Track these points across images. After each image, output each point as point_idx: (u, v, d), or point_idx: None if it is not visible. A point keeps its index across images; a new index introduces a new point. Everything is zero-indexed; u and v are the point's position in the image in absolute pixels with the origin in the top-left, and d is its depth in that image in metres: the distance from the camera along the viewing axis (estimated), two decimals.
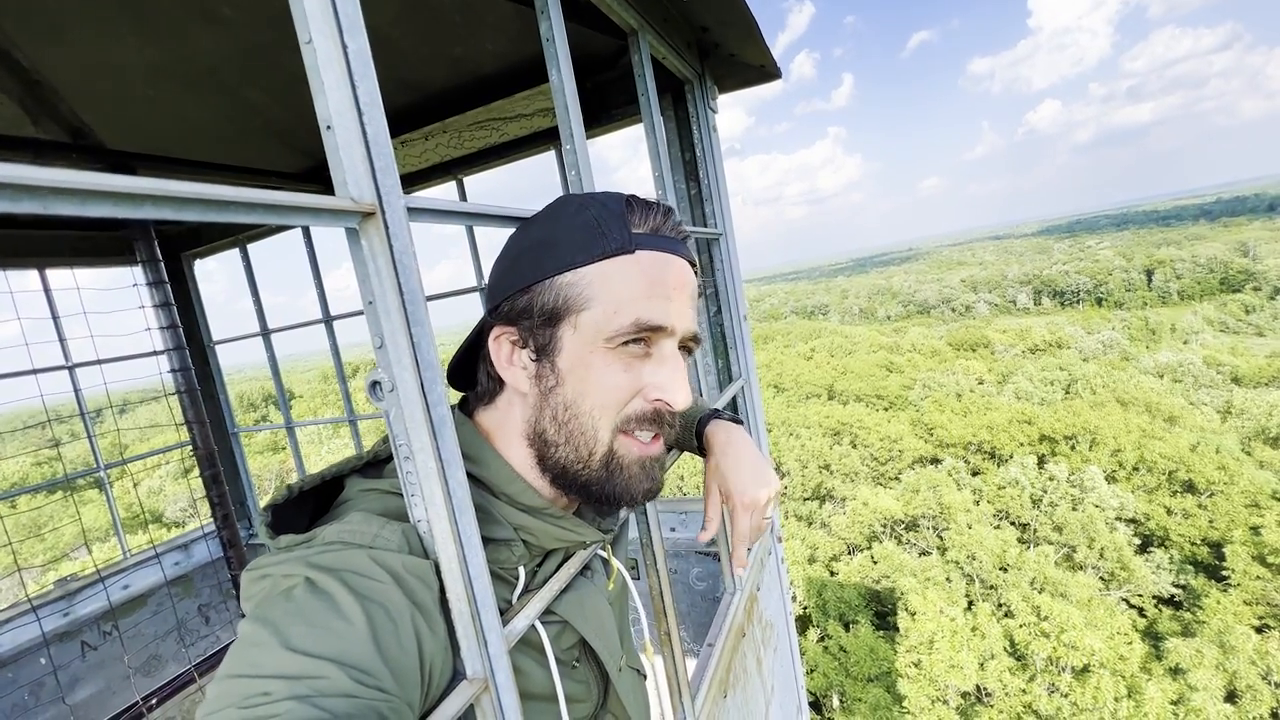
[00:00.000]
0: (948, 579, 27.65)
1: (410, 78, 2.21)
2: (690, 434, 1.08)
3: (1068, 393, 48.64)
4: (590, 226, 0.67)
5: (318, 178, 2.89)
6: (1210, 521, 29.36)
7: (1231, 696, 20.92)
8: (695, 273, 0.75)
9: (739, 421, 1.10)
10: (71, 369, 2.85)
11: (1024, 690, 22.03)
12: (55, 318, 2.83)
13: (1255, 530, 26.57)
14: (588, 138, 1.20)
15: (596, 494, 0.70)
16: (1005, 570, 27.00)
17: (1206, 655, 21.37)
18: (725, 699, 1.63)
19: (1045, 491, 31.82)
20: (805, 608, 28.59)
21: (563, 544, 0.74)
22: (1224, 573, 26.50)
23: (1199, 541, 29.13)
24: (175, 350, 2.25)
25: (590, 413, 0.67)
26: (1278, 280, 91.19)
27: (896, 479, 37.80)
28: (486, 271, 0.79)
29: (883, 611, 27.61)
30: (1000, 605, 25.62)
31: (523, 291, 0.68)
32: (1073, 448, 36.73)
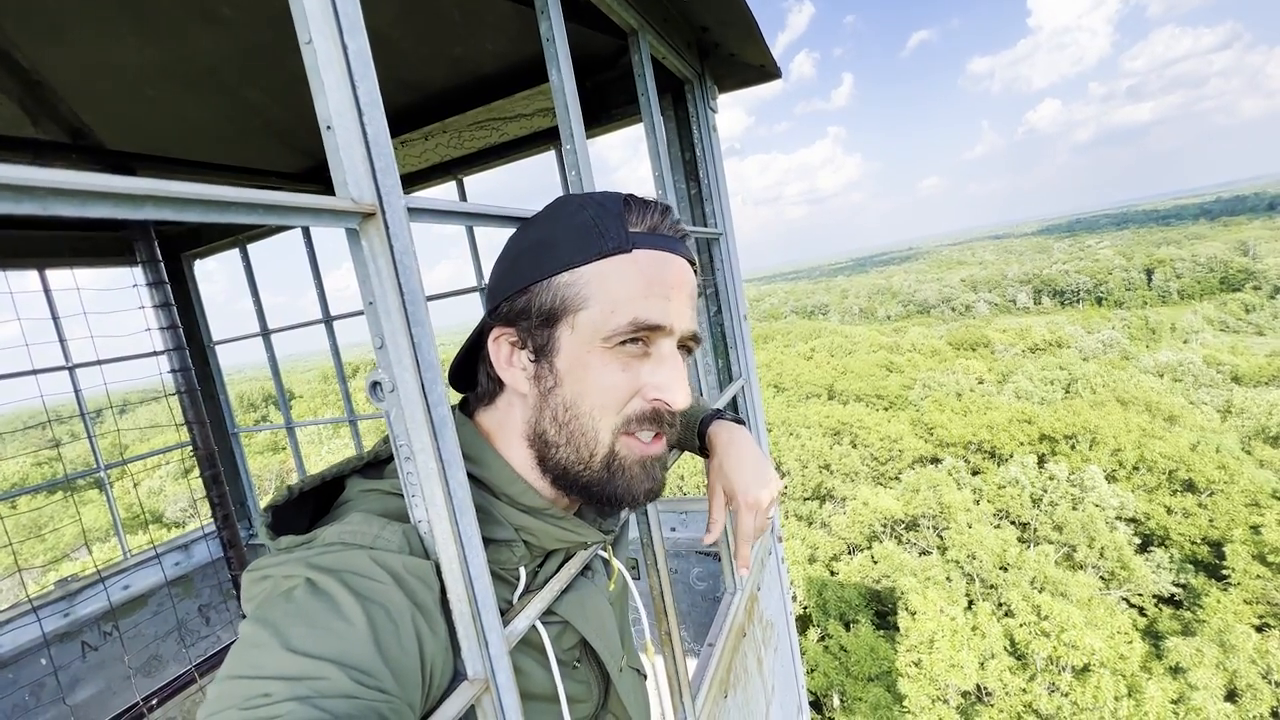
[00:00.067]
0: (948, 578, 27.66)
1: (410, 78, 2.21)
2: (692, 434, 1.08)
3: (1068, 392, 48.64)
4: (588, 226, 0.67)
5: (318, 178, 2.89)
6: (1210, 520, 29.36)
7: (1232, 695, 20.93)
8: (695, 272, 0.74)
9: (741, 422, 1.10)
10: (71, 369, 2.85)
11: (1024, 689, 22.04)
12: (55, 318, 2.83)
13: (1255, 529, 26.58)
14: (588, 137, 1.20)
15: (598, 494, 0.70)
16: (1005, 570, 27.01)
17: (1206, 654, 21.38)
18: (726, 699, 1.63)
19: (1045, 491, 31.83)
20: (805, 607, 28.60)
21: (563, 544, 0.74)
22: (1224, 572, 26.52)
23: (1199, 541, 29.14)
24: (175, 350, 2.25)
25: (590, 413, 0.67)
26: (1277, 279, 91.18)
27: (897, 479, 37.81)
28: (487, 272, 0.79)
29: (883, 611, 27.62)
30: (1000, 605, 25.63)
31: (521, 292, 0.68)
32: (1073, 447, 36.74)
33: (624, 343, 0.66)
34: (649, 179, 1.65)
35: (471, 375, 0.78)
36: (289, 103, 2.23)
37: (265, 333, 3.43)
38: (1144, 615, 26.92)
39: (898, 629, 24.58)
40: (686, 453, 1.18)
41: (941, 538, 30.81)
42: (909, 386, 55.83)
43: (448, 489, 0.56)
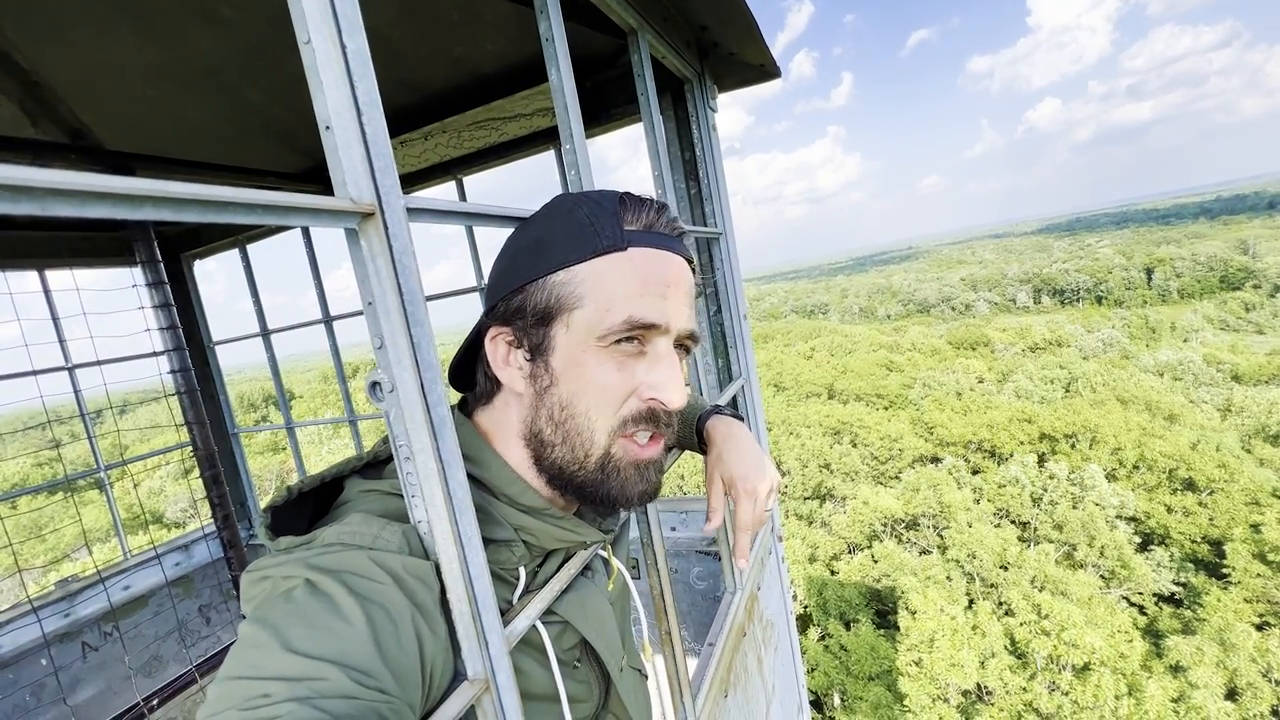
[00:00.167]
0: (948, 578, 27.67)
1: (409, 78, 2.21)
2: (690, 431, 1.08)
3: (1068, 391, 48.65)
4: (583, 225, 0.67)
5: (317, 178, 2.89)
6: (1210, 519, 29.37)
7: (1232, 694, 20.94)
8: (693, 269, 0.74)
9: (740, 417, 1.10)
10: (71, 370, 2.85)
11: (1025, 688, 22.05)
12: (55, 319, 2.83)
13: (1255, 528, 26.59)
14: (587, 137, 1.20)
15: (592, 495, 0.69)
16: (1005, 569, 27.02)
17: (1207, 653, 21.39)
18: (726, 698, 1.63)
19: (1045, 490, 31.84)
20: (806, 607, 28.61)
21: (563, 544, 0.74)
22: (1224, 570, 26.53)
23: (1199, 539, 29.15)
24: (175, 351, 2.25)
25: (586, 413, 0.66)
26: (1277, 278, 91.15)
27: (897, 478, 37.84)
28: (486, 271, 0.79)
29: (883, 610, 27.63)
30: (1001, 604, 25.64)
31: (517, 291, 0.68)
32: (1073, 446, 36.74)
33: (619, 342, 0.65)
34: (649, 179, 1.65)
35: (471, 375, 0.78)
36: (288, 103, 2.23)
37: (265, 333, 3.43)
38: (1144, 614, 26.94)
39: (898, 628, 24.59)
40: (687, 452, 1.18)
41: (942, 537, 30.82)
42: (909, 386, 55.85)
43: (447, 489, 0.56)
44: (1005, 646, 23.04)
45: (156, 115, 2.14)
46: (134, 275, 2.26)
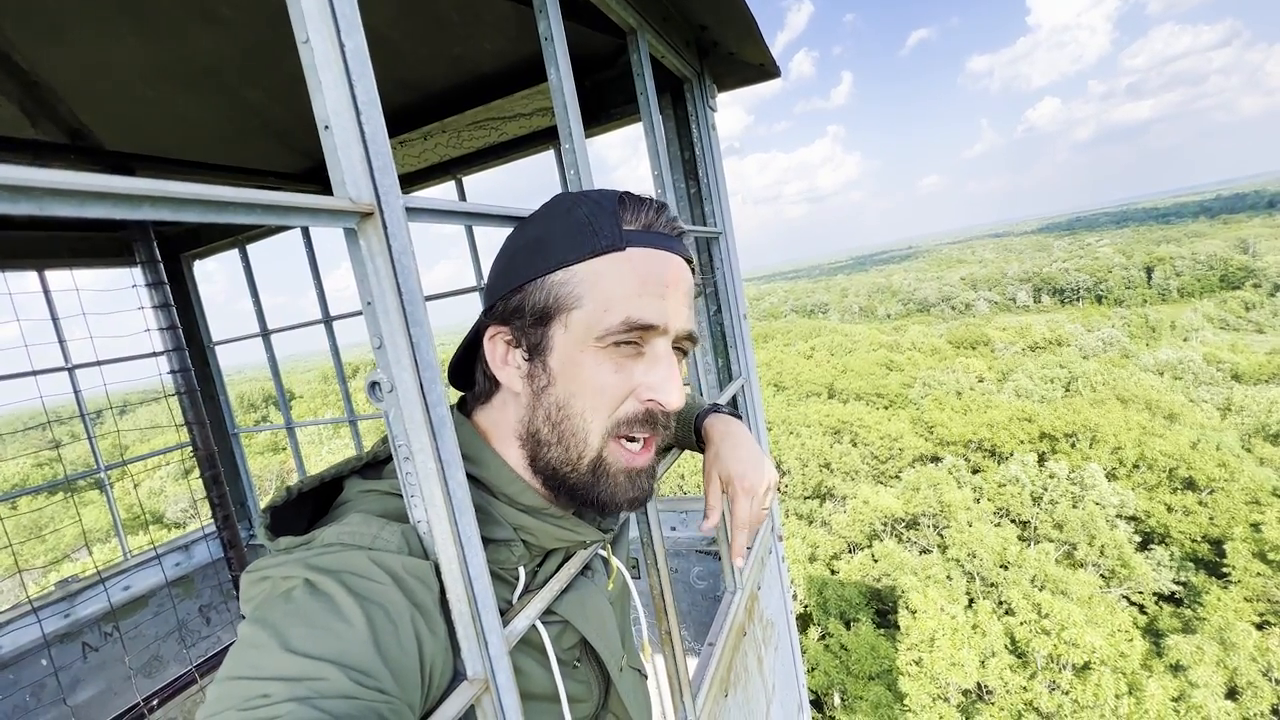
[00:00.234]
0: (948, 577, 27.67)
1: (408, 77, 2.21)
2: (688, 430, 1.08)
3: (1068, 390, 48.65)
4: (581, 224, 0.66)
5: (316, 178, 2.89)
6: (1211, 518, 29.38)
7: (1232, 693, 20.95)
8: (692, 269, 0.74)
9: (738, 415, 1.09)
10: (71, 370, 2.85)
11: (1025, 688, 22.06)
12: (55, 319, 2.82)
13: (1256, 527, 26.60)
14: (587, 137, 1.20)
15: (583, 498, 0.69)
16: (1006, 568, 27.02)
17: (1207, 652, 21.39)
18: (726, 698, 1.63)
19: (1045, 489, 31.84)
20: (806, 606, 28.61)
21: (563, 544, 0.74)
22: (1224, 569, 26.54)
23: (1199, 538, 29.16)
24: (175, 351, 2.25)
25: (582, 414, 0.66)
26: (1277, 277, 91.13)
27: (897, 477, 37.84)
28: (486, 271, 0.79)
29: (883, 609, 27.64)
30: (1001, 603, 25.64)
31: (515, 291, 0.67)
32: (1073, 445, 36.75)
33: (617, 342, 0.65)
34: (648, 178, 1.65)
35: (469, 374, 0.78)
36: (287, 103, 2.23)
37: (265, 333, 3.42)
38: (1144, 613, 26.95)
39: (898, 627, 24.60)
40: (687, 452, 1.18)
41: (942, 536, 30.83)
42: (909, 385, 55.85)
43: (447, 489, 0.56)
44: (1005, 646, 23.05)
45: (156, 115, 2.14)
46: (134, 275, 2.26)
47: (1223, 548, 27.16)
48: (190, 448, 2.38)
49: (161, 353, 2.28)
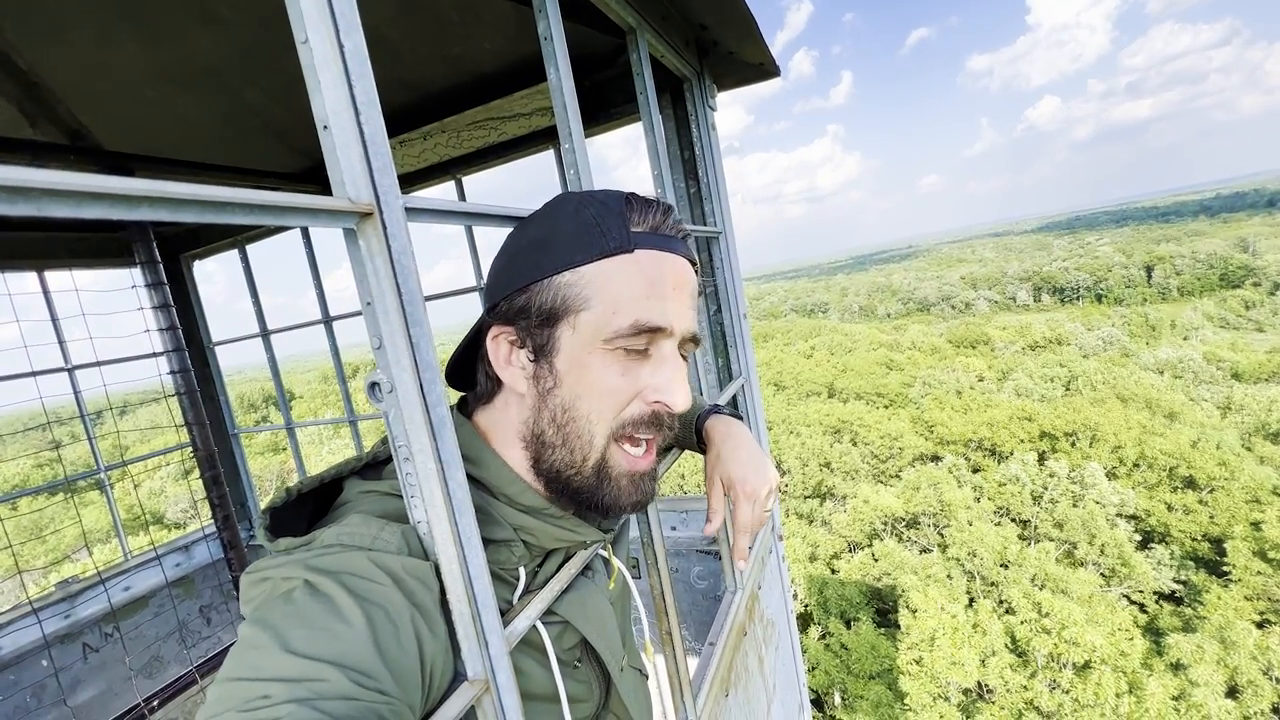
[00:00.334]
0: (949, 576, 27.68)
1: (408, 77, 2.21)
2: (689, 430, 1.08)
3: (1068, 389, 48.65)
4: (589, 225, 0.66)
5: (316, 178, 2.89)
6: (1211, 517, 29.38)
7: (1233, 692, 20.95)
8: (696, 271, 0.74)
9: (738, 416, 1.10)
10: (71, 371, 2.84)
11: (1025, 687, 22.06)
12: (54, 320, 2.82)
13: (1256, 526, 26.59)
14: (586, 136, 1.20)
15: (586, 500, 0.70)
16: (1006, 567, 27.02)
17: (1207, 651, 21.39)
18: (727, 698, 1.63)
19: (1046, 488, 31.84)
20: (806, 605, 28.62)
21: (563, 544, 0.74)
22: (1225, 568, 26.54)
23: (1200, 537, 29.17)
24: (175, 352, 2.25)
25: (588, 416, 0.66)
26: (1277, 276, 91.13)
27: (897, 476, 37.83)
28: (486, 271, 0.78)
29: (884, 609, 27.65)
30: (1001, 602, 25.65)
31: (521, 291, 0.67)
32: (1073, 444, 36.75)
33: (625, 345, 0.65)
34: (648, 178, 1.65)
35: (468, 374, 0.78)
36: (287, 103, 2.23)
37: (265, 333, 3.42)
38: (1145, 612, 26.95)
39: (899, 627, 24.59)
40: (687, 452, 1.18)
41: (942, 535, 30.83)
42: (909, 384, 55.85)
43: (447, 489, 0.56)
44: (1006, 645, 23.05)
45: (155, 115, 2.14)
46: (133, 276, 2.26)
47: (1223, 546, 27.17)
48: (190, 448, 2.38)
49: (161, 353, 2.28)
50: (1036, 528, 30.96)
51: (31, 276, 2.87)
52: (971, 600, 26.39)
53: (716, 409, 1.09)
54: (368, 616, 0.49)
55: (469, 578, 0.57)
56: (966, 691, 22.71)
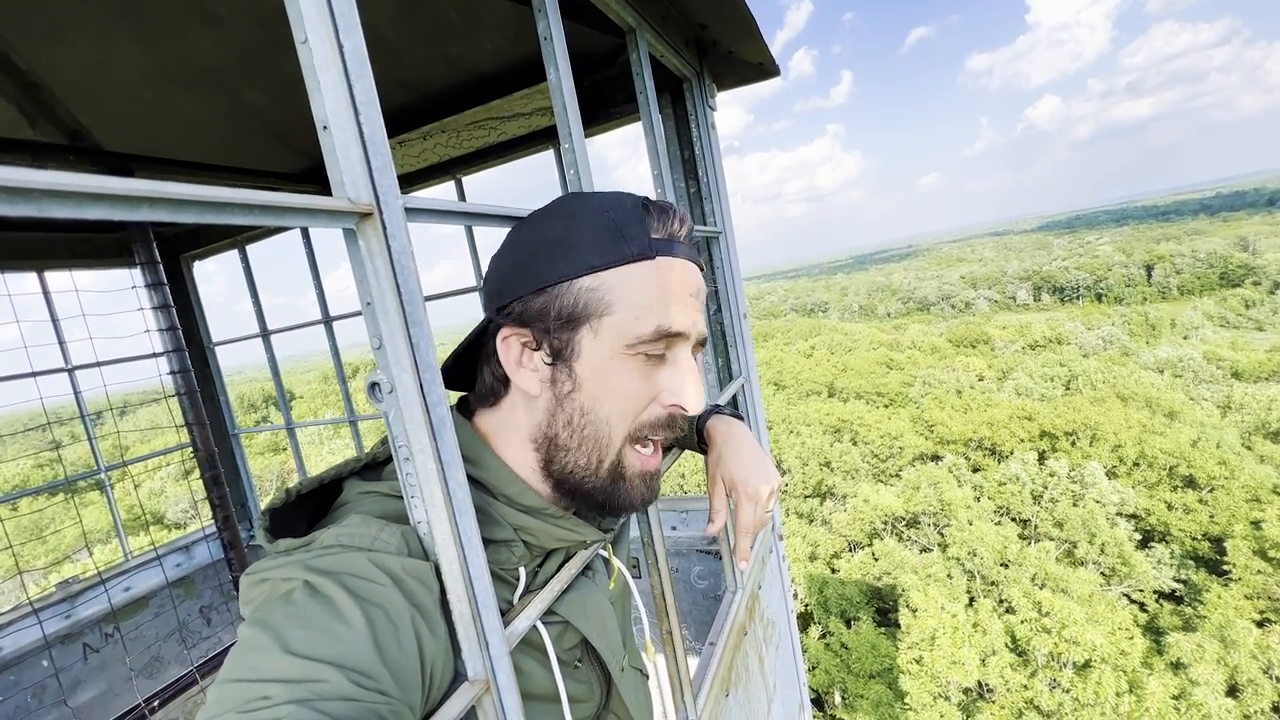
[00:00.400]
0: (949, 575, 27.69)
1: (407, 77, 2.21)
2: (691, 430, 1.08)
3: (1068, 389, 48.65)
4: (612, 230, 0.66)
5: (315, 178, 2.89)
6: (1211, 516, 29.38)
7: (1233, 691, 20.95)
8: (701, 273, 0.75)
9: (739, 416, 1.10)
10: (71, 371, 2.84)
11: (1026, 686, 22.07)
12: (54, 320, 2.82)
13: (1256, 525, 26.59)
14: (586, 136, 1.20)
15: (600, 501, 0.70)
16: (1006, 566, 27.03)
17: (1208, 650, 21.40)
18: (727, 697, 1.63)
19: (1046, 487, 31.85)
20: (807, 605, 28.62)
21: (563, 544, 0.74)
22: (1225, 567, 26.54)
23: (1200, 536, 29.16)
24: (175, 352, 2.25)
25: (606, 419, 0.67)
26: (1277, 275, 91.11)
27: (897, 476, 37.83)
28: (485, 271, 0.78)
29: (884, 608, 27.65)
30: (1001, 601, 25.66)
31: (537, 293, 0.66)
32: (1073, 444, 36.75)
33: (645, 349, 0.66)
34: (648, 178, 1.65)
35: (466, 374, 0.77)
36: (286, 103, 2.23)
37: (265, 334, 3.42)
38: (1145, 611, 26.95)
39: (899, 626, 24.60)
40: (687, 451, 1.18)
41: (942, 535, 30.84)
42: (909, 384, 55.86)
43: (447, 490, 0.56)
44: (1006, 644, 23.06)
45: (155, 116, 2.14)
46: (133, 276, 2.26)
47: (1223, 545, 27.16)
48: (190, 448, 2.37)
49: (161, 353, 2.28)
50: (1036, 527, 30.97)
51: (31, 277, 2.87)
52: (972, 599, 26.40)
53: (717, 409, 1.09)
54: (368, 617, 0.49)
55: (469, 578, 0.57)
56: (967, 691, 22.72)
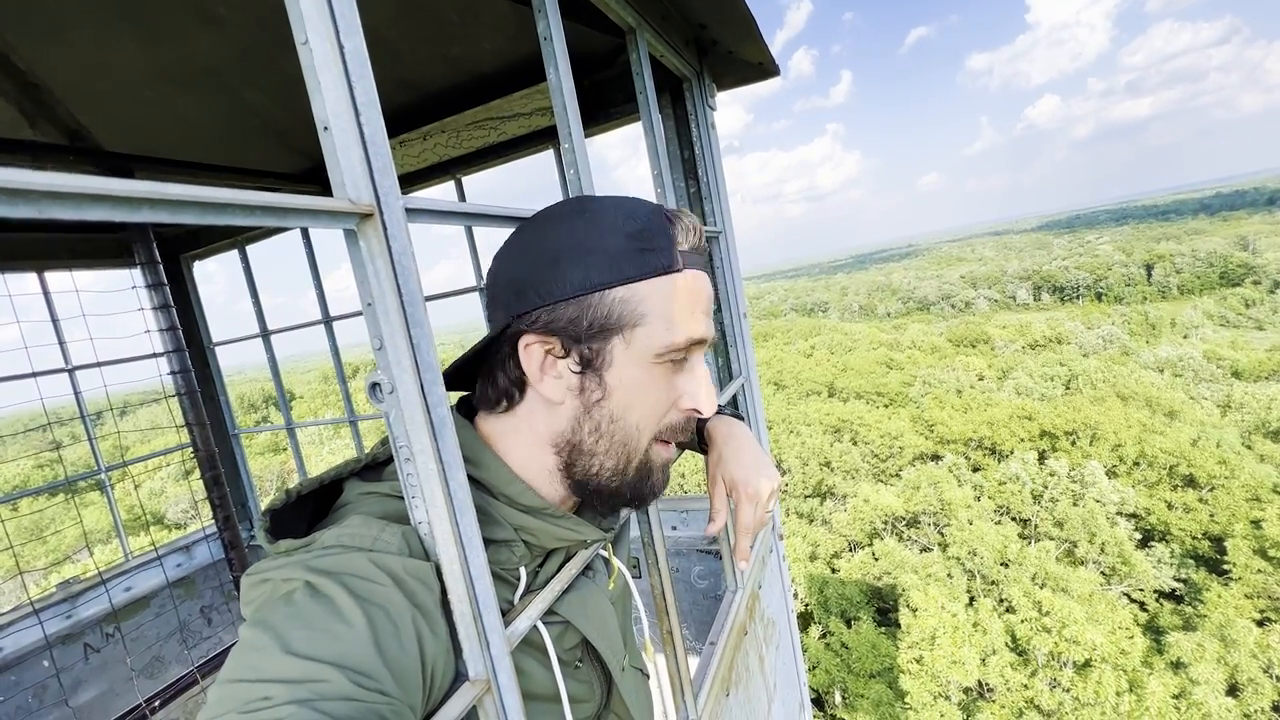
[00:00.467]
0: (949, 575, 27.68)
1: (408, 77, 2.21)
2: (691, 429, 1.08)
3: (1068, 388, 48.64)
4: (643, 241, 0.67)
5: (316, 178, 2.89)
6: (1211, 516, 29.37)
7: (1233, 690, 20.95)
8: None
9: (740, 417, 1.10)
10: (71, 372, 2.84)
11: (1026, 685, 22.06)
12: (55, 320, 2.82)
13: (1256, 524, 26.58)
14: (586, 136, 1.20)
15: (627, 497, 0.72)
16: (1006, 566, 27.02)
17: (1208, 649, 21.39)
18: (728, 697, 1.63)
19: (1046, 487, 31.83)
20: (807, 605, 28.62)
21: (564, 543, 0.74)
22: (1225, 567, 26.53)
23: (1200, 536, 29.15)
24: (175, 352, 2.25)
25: (636, 425, 0.69)
26: (1277, 274, 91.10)
27: (897, 476, 37.82)
28: (485, 271, 0.78)
29: (884, 608, 27.65)
30: (1001, 601, 25.65)
31: (567, 302, 0.65)
32: (1073, 443, 36.75)
33: (673, 358, 0.68)
34: (648, 178, 1.65)
35: (466, 374, 0.77)
36: (287, 103, 2.23)
37: (265, 334, 3.42)
38: (1145, 610, 26.94)
39: (899, 626, 24.59)
40: (686, 451, 1.18)
41: (942, 534, 30.83)
42: (909, 383, 55.84)
43: (448, 490, 0.56)
44: (1006, 643, 23.05)
45: (155, 116, 2.14)
46: (133, 277, 2.26)
47: (1223, 545, 27.15)
48: (191, 449, 2.38)
49: (162, 354, 2.28)
50: (1037, 526, 30.96)
51: (32, 277, 2.87)
52: (972, 599, 26.40)
53: (719, 409, 1.10)
54: (368, 617, 0.49)
55: (470, 578, 0.57)
56: (967, 690, 22.72)
